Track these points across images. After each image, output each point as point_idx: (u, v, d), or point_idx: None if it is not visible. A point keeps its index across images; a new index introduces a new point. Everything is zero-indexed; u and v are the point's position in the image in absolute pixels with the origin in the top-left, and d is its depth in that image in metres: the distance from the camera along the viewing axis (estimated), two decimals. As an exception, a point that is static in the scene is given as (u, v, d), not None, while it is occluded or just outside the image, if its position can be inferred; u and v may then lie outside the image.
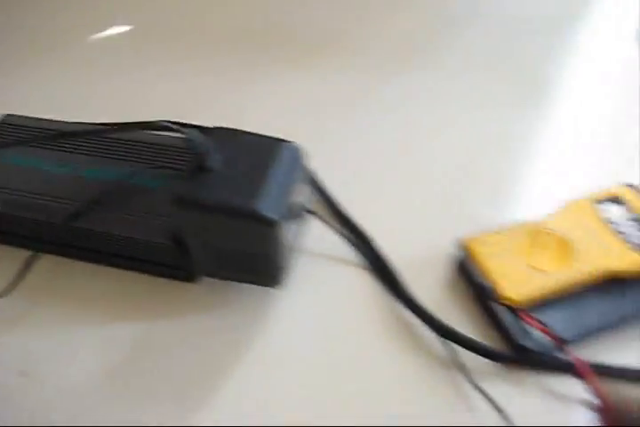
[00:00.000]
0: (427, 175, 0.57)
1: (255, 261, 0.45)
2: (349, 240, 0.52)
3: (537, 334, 0.45)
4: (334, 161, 0.57)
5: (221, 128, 0.46)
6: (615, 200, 0.51)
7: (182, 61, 0.69)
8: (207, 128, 0.47)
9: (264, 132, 0.46)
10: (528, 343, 0.45)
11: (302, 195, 0.48)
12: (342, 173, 0.56)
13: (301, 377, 0.46)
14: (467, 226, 0.50)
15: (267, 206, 0.42)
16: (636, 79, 0.66)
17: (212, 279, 0.49)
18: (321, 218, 0.52)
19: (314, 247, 0.51)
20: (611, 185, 0.52)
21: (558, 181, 0.56)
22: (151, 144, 0.51)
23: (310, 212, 0.51)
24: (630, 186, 0.52)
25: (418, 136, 0.60)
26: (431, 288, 0.50)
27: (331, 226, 0.52)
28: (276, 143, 0.45)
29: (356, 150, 0.59)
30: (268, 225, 0.42)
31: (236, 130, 0.46)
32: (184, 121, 0.51)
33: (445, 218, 0.53)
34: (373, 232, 0.52)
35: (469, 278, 0.49)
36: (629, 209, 0.50)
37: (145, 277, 0.51)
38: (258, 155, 0.44)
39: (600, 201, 0.51)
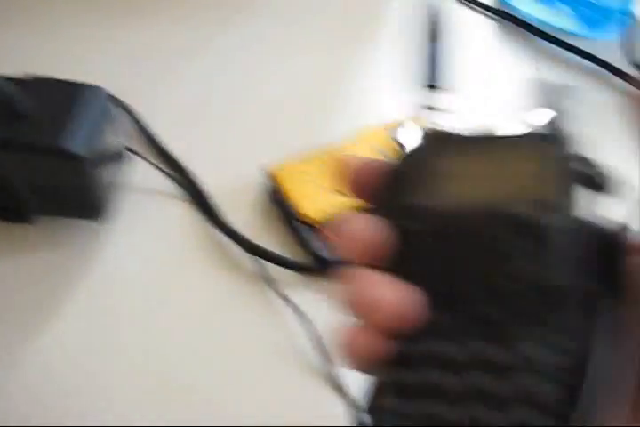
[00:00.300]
0: (242, 112, 0.62)
1: (73, 195, 0.50)
2: (170, 175, 0.56)
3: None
4: (157, 103, 0.61)
5: (32, 77, 0.50)
6: (408, 126, 0.57)
7: (6, 11, 0.70)
8: (17, 78, 0.50)
9: (91, 80, 0.50)
10: (325, 254, 0.51)
11: (116, 134, 0.52)
12: (165, 113, 0.61)
13: (129, 306, 0.51)
14: (277, 155, 0.56)
15: (73, 143, 0.46)
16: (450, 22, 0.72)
17: (45, 220, 0.54)
18: (142, 155, 0.56)
19: (137, 183, 0.56)
20: (405, 113, 0.58)
21: (361, 111, 0.62)
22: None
23: (130, 150, 0.55)
24: (421, 115, 0.58)
25: (240, 77, 0.65)
26: (245, 214, 0.55)
27: (151, 162, 0.57)
28: (82, 87, 0.49)
29: (179, 93, 0.63)
30: (75, 160, 0.46)
31: (47, 78, 0.50)
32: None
33: (258, 149, 0.58)
34: (192, 166, 0.57)
35: (277, 203, 0.54)
36: (419, 134, 0.57)
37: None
38: (66, 99, 0.48)
39: (394, 127, 0.57)
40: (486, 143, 0.27)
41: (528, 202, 0.25)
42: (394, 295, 0.24)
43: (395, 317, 0.24)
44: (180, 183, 0.56)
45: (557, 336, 0.24)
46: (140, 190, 0.56)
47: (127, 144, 0.55)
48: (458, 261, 0.25)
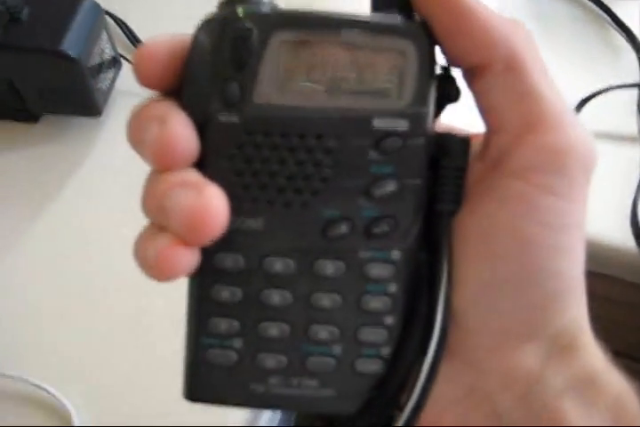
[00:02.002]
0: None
1: (72, 96, 0.57)
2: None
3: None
4: (146, 14, 0.68)
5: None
6: None
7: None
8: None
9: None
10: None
11: (110, 42, 0.59)
12: (152, 23, 0.67)
13: (119, 191, 0.58)
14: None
15: (70, 48, 0.53)
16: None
17: (49, 118, 0.61)
18: (132, 61, 0.63)
19: (128, 87, 0.63)
20: None
21: None
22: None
23: (122, 56, 0.62)
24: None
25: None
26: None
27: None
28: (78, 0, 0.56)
29: (166, 5, 0.70)
30: (72, 62, 0.54)
31: (45, -10, 0.56)
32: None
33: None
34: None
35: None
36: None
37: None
38: (63, 10, 0.55)
39: None
40: (328, 24, 0.23)
41: (383, 111, 0.23)
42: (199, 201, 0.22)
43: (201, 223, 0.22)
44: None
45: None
46: (130, 93, 0.63)
47: (119, 51, 0.62)
48: (291, 166, 0.23)
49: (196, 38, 0.23)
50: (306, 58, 0.23)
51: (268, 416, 0.49)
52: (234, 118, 0.23)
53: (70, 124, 0.61)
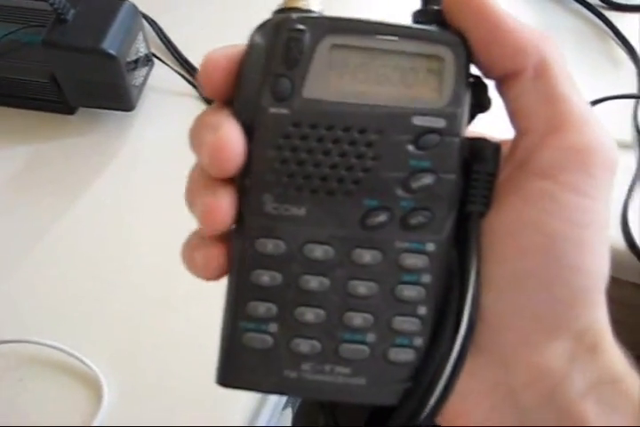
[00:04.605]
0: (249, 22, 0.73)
1: (109, 90, 0.61)
2: (186, 77, 0.68)
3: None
4: (178, 17, 0.72)
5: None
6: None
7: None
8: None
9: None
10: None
11: (144, 42, 0.63)
12: (184, 25, 0.72)
13: (150, 181, 0.63)
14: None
15: (110, 46, 0.58)
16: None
17: (85, 111, 0.66)
18: (164, 61, 0.68)
19: (160, 84, 0.68)
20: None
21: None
22: (14, 8, 0.65)
23: (155, 56, 0.67)
24: None
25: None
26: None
27: (172, 67, 0.68)
28: (117, 2, 0.60)
29: (196, 9, 0.74)
30: (111, 59, 0.58)
31: (87, -8, 0.61)
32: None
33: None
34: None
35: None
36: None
37: (34, 113, 0.66)
38: (102, 10, 0.60)
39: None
40: (374, 31, 0.25)
41: (421, 109, 0.25)
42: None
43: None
44: (194, 85, 0.68)
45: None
46: (160, 90, 0.67)
47: (152, 51, 0.66)
48: (331, 155, 0.25)
49: (251, 40, 0.25)
50: (353, 60, 0.25)
51: (266, 417, 0.54)
52: (283, 110, 0.25)
53: (104, 118, 0.66)
